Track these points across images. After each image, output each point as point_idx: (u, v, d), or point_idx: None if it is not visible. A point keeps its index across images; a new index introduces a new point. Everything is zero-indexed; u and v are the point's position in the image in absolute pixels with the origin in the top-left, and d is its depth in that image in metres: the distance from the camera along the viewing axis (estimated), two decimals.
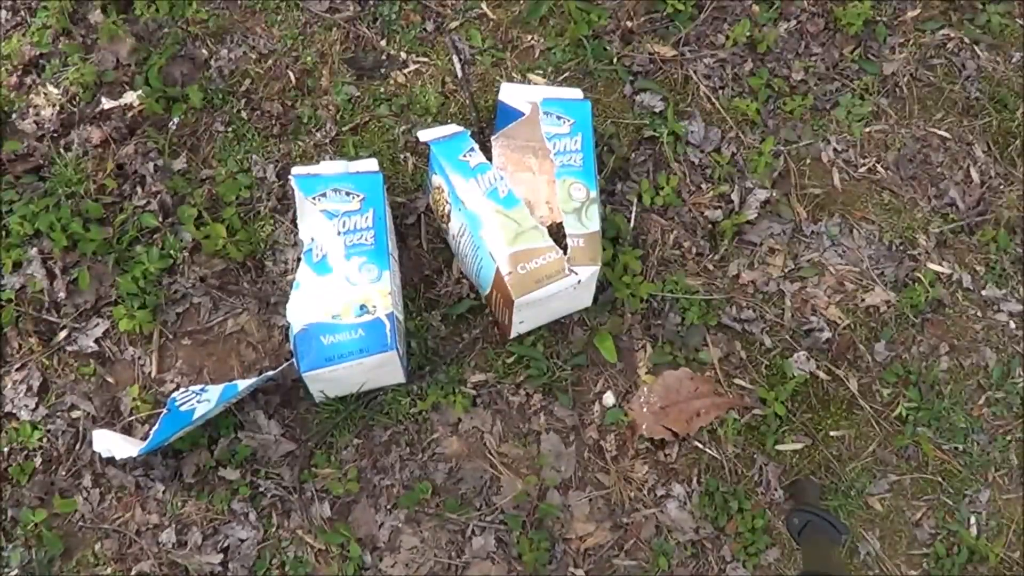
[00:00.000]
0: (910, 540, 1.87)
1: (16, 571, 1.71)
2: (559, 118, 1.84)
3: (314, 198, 1.72)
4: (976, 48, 2.14)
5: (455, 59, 2.03)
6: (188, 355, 1.84)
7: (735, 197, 1.98)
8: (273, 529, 1.75)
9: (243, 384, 1.70)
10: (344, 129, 1.98)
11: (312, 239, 1.72)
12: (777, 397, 1.88)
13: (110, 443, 1.70)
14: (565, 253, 1.75)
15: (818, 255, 1.98)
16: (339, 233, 1.72)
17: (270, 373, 1.74)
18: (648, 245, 1.95)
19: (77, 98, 1.95)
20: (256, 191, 1.92)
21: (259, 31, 2.05)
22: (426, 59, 2.04)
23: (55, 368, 1.81)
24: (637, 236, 1.95)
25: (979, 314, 1.99)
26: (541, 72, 2.04)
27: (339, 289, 1.70)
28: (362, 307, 1.68)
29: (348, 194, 1.74)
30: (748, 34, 2.08)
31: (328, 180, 1.75)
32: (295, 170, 1.76)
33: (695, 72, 2.07)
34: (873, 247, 2.00)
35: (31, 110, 1.95)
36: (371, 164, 1.81)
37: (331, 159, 1.93)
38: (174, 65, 1.99)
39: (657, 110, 2.02)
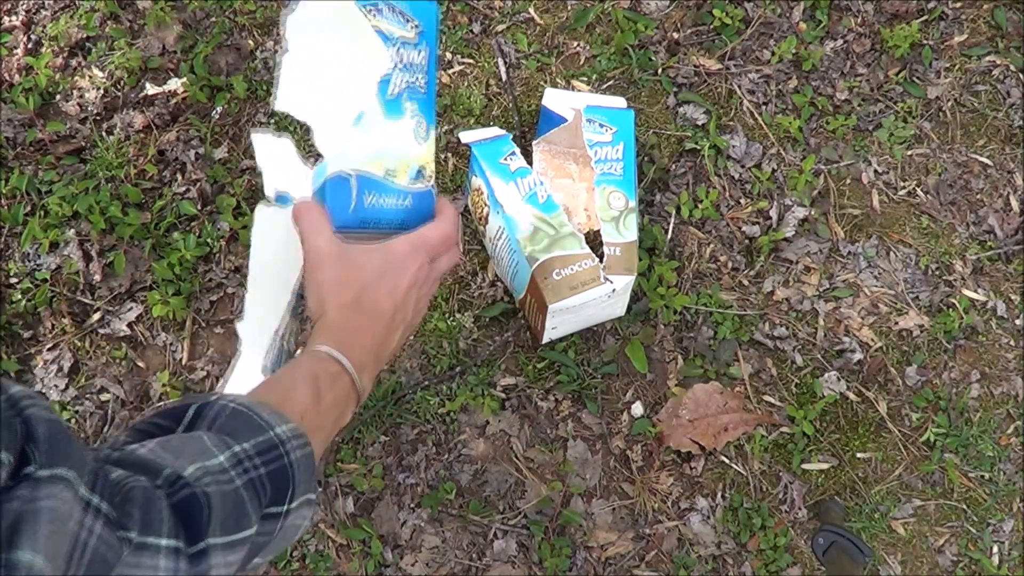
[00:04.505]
0: (931, 566, 1.86)
1: None
2: (602, 126, 1.84)
3: (367, 8, 1.17)
4: (1021, 76, 2.12)
5: (500, 62, 2.03)
6: (220, 343, 1.84)
7: (773, 214, 1.98)
8: None
9: None
10: None
11: (392, 67, 1.21)
12: (806, 416, 1.87)
13: None
14: (601, 261, 1.74)
15: (854, 276, 1.98)
16: (398, 67, 1.22)
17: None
18: (684, 257, 1.95)
19: (121, 82, 1.97)
20: None
21: None
22: (471, 60, 2.04)
23: (87, 350, 1.82)
24: (673, 248, 1.95)
25: (1012, 343, 1.98)
26: (585, 79, 2.04)
27: (403, 140, 1.22)
28: (419, 171, 1.22)
29: (404, 16, 1.24)
30: (794, 51, 2.07)
31: None
32: None
33: (739, 87, 2.06)
34: (909, 271, 1.99)
35: (75, 92, 1.96)
36: None
37: None
38: (220, 54, 2.00)
39: (699, 123, 2.02)
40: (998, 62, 2.14)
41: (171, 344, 1.83)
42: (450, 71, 2.04)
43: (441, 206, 1.12)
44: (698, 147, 2.00)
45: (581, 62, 2.06)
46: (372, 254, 1.00)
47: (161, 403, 1.79)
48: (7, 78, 1.94)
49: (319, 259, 0.97)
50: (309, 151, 1.13)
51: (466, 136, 1.83)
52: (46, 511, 0.55)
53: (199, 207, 1.87)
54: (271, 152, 1.22)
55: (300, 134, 1.41)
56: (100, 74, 1.97)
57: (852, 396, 1.91)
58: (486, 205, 1.81)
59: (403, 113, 1.22)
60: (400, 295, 1.00)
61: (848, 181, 2.04)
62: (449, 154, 1.98)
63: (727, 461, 1.86)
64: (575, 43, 2.07)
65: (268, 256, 1.16)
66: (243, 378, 1.14)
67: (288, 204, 1.14)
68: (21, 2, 2.01)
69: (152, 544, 0.64)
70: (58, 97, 1.95)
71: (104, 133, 1.93)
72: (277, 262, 1.16)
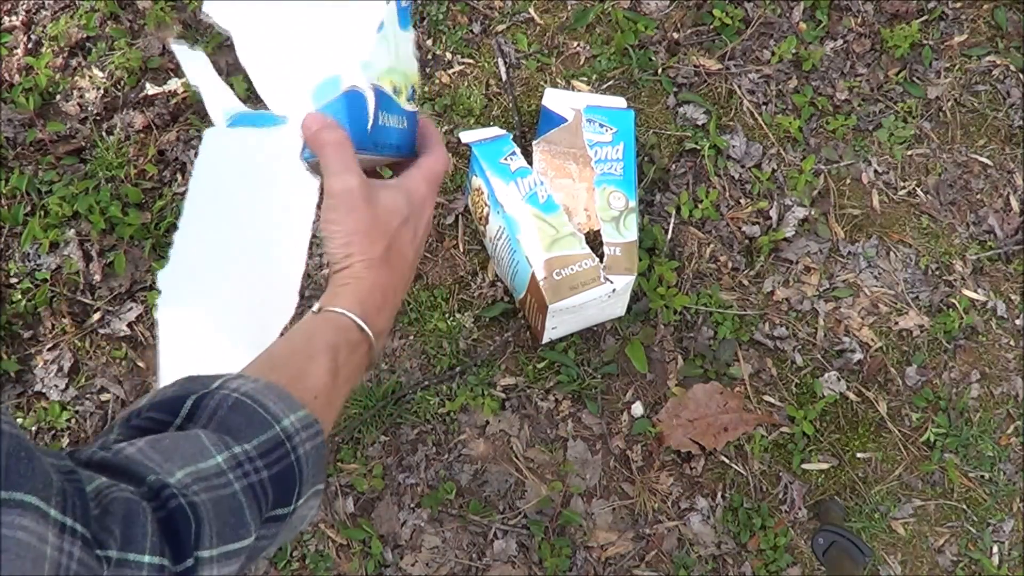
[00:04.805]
0: (931, 566, 1.86)
1: None
2: (602, 126, 1.84)
3: None
4: (1021, 76, 2.12)
5: (500, 62, 2.03)
6: None
7: (773, 214, 1.97)
8: None
9: None
10: None
11: None
12: (806, 416, 1.87)
13: None
14: (601, 261, 1.74)
15: (853, 276, 1.98)
16: None
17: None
18: (684, 257, 1.95)
19: (122, 83, 1.96)
20: None
21: None
22: (471, 61, 2.04)
23: (87, 350, 1.82)
24: (673, 248, 1.95)
25: (1012, 343, 1.98)
26: (585, 79, 2.04)
27: (409, 55, 1.01)
28: (413, 90, 1.03)
29: None
30: (794, 51, 2.07)
31: None
32: None
33: (739, 87, 2.06)
34: (909, 271, 1.99)
35: (75, 92, 1.96)
36: None
37: None
38: (219, 54, 1.99)
39: (699, 123, 2.02)
40: (998, 62, 2.14)
41: None
42: (450, 71, 2.04)
43: (427, 129, 0.98)
44: (698, 147, 2.00)
45: (581, 62, 2.06)
46: (395, 194, 0.87)
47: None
48: (7, 78, 1.94)
49: (352, 202, 0.82)
50: (230, 65, 0.98)
51: (466, 136, 1.83)
52: None
53: None
54: (200, 66, 1.01)
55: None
56: (100, 74, 1.97)
57: (852, 396, 1.91)
58: (486, 205, 1.81)
59: (409, 25, 1.03)
60: (419, 241, 0.90)
61: (848, 181, 2.04)
62: (449, 154, 1.98)
63: (727, 461, 1.86)
64: (575, 43, 2.07)
65: (215, 192, 0.97)
66: (173, 341, 0.98)
67: (270, 124, 0.94)
68: (21, 2, 2.01)
69: (133, 561, 0.58)
70: (58, 97, 1.95)
71: (104, 133, 1.93)
72: (236, 200, 0.97)
